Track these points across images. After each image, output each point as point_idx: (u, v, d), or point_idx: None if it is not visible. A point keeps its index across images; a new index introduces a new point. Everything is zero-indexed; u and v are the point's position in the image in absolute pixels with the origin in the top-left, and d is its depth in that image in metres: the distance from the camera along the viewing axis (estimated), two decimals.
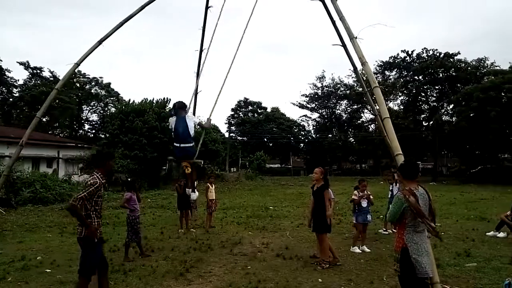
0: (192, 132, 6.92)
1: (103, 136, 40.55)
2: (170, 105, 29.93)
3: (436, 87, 45.31)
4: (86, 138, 47.69)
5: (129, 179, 8.96)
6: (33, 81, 45.56)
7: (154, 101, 29.21)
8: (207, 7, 10.91)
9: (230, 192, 24.72)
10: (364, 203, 7.88)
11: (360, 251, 7.60)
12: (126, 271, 6.24)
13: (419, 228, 3.55)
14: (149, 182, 25.69)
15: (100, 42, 8.40)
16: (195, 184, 7.99)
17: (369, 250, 7.67)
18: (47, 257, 7.32)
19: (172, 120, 7.11)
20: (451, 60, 42.89)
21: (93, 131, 52.08)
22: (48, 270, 6.38)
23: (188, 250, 7.82)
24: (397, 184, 9.89)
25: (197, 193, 8.08)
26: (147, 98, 29.23)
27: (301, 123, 63.80)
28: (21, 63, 44.32)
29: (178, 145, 6.89)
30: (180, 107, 7.13)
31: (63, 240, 9.11)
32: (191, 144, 6.96)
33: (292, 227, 10.66)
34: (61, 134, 46.89)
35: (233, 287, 5.44)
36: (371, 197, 8.05)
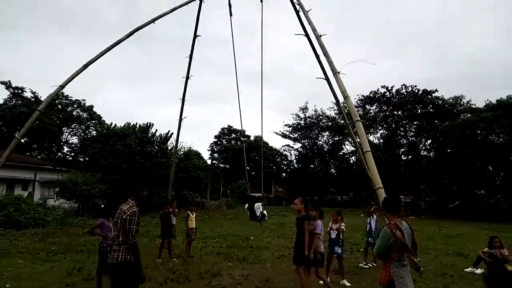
0: (258, 213, 12.88)
1: (82, 159, 39.80)
2: (153, 130, 29.85)
3: (415, 123, 46.57)
4: (65, 160, 46.63)
5: (102, 205, 8.75)
6: (14, 101, 44.73)
7: (137, 126, 29.02)
8: (195, 36, 11.19)
9: (211, 221, 24.33)
10: (333, 234, 7.92)
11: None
12: None
13: (404, 261, 3.60)
14: None
15: (85, 66, 8.46)
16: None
17: (349, 284, 7.61)
18: (17, 285, 7.00)
19: (247, 206, 13.25)
20: (429, 97, 44.37)
21: (72, 154, 51.03)
22: None
23: (165, 281, 7.60)
24: (374, 217, 10.00)
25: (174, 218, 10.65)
26: (130, 123, 29.04)
27: (284, 153, 64.17)
28: (2, 82, 43.66)
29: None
30: (253, 202, 13.07)
31: (34, 267, 8.74)
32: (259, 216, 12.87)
33: (273, 259, 10.51)
34: (39, 156, 45.74)
35: None
36: (342, 228, 8.09)
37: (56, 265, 9.02)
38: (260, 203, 13.05)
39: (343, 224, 8.22)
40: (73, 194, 22.38)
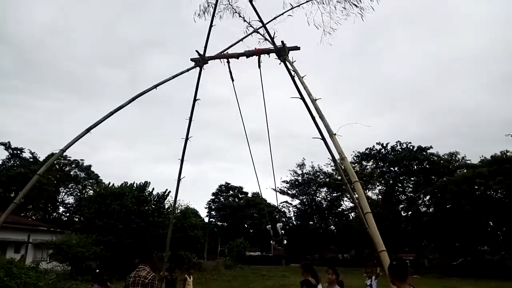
0: (280, 232, 11.55)
1: (77, 219, 39.11)
2: (150, 189, 29.68)
3: (412, 178, 46.77)
4: (60, 221, 45.76)
5: (96, 270, 8.54)
6: (12, 162, 44.91)
7: (135, 185, 28.93)
8: (194, 100, 11.61)
9: (208, 284, 23.45)
10: None
11: None
12: None
13: None
14: (121, 271, 24.26)
15: (88, 130, 8.70)
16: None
17: None
18: None
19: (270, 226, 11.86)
20: (424, 153, 45.03)
21: (68, 214, 50.22)
22: None
23: None
24: (376, 279, 9.79)
25: None
26: (127, 182, 28.98)
27: (282, 209, 63.43)
28: (2, 143, 44.14)
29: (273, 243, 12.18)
30: (274, 222, 12.55)
31: None
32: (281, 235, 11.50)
33: None
34: (33, 216, 44.92)
35: None
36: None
37: None
38: (281, 224, 12.72)
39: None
40: (66, 256, 21.71)
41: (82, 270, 24.74)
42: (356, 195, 10.51)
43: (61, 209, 51.17)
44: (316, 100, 8.22)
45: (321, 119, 7.92)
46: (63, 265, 23.35)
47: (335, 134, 7.42)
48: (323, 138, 9.97)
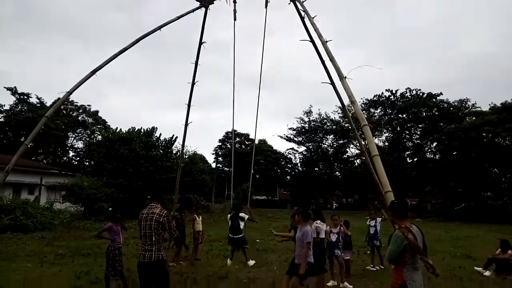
0: (242, 227, 9.34)
1: (87, 163, 40.00)
2: (157, 134, 29.92)
3: (420, 126, 46.47)
4: (70, 165, 46.92)
5: (109, 209, 8.80)
6: (20, 107, 45.12)
7: (142, 130, 29.13)
8: (200, 43, 11.27)
9: (216, 224, 24.33)
10: (333, 238, 7.93)
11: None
12: None
13: (417, 265, 3.60)
14: (133, 211, 25.20)
15: (93, 72, 8.55)
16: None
17: (351, 286, 7.62)
18: None
19: (229, 216, 9.59)
20: (434, 100, 44.30)
21: (78, 158, 51.35)
22: None
23: (173, 284, 7.62)
24: (378, 220, 10.04)
25: None
26: (134, 127, 29.15)
27: (288, 156, 64.13)
28: (8, 88, 44.08)
29: (232, 236, 9.31)
30: (237, 209, 9.57)
31: (43, 270, 8.81)
32: (241, 235, 9.34)
33: (280, 261, 10.52)
34: (44, 161, 46.03)
35: None
36: (341, 229, 8.17)
37: (64, 269, 9.08)
38: (246, 215, 9.63)
39: (342, 227, 8.26)
40: (79, 198, 22.48)
41: (95, 211, 25.72)
42: (365, 141, 10.46)
43: (71, 153, 52.37)
44: (326, 42, 7.91)
45: (331, 62, 7.67)
46: (76, 206, 24.25)
47: (345, 77, 7.21)
48: (332, 83, 9.75)
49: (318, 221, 7.05)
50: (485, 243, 16.09)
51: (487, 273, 8.94)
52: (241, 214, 9.47)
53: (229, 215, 9.65)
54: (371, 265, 9.75)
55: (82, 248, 12.23)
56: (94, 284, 7.52)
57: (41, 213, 17.87)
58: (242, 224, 9.34)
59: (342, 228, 8.21)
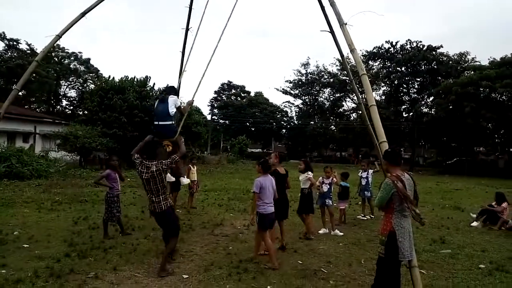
0: (171, 110, 6.47)
1: (81, 112, 39.61)
2: (151, 83, 29.41)
3: (418, 79, 45.98)
4: (64, 114, 46.49)
5: (107, 157, 8.79)
6: (9, 53, 43.75)
7: (135, 80, 28.57)
8: None
9: (212, 175, 24.68)
10: (325, 188, 8.10)
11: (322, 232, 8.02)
12: (106, 248, 6.23)
13: (405, 212, 3.68)
14: (128, 161, 25.36)
15: (83, 14, 8.09)
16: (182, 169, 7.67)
17: (341, 234, 7.85)
18: (24, 232, 7.20)
19: (156, 102, 6.94)
20: (434, 53, 43.49)
21: (71, 107, 50.78)
22: (26, 245, 6.29)
23: None
24: (370, 171, 10.19)
25: (188, 179, 8.20)
26: (127, 76, 28.55)
27: (284, 109, 63.88)
28: None
29: (157, 123, 6.54)
30: (168, 92, 6.89)
31: (40, 216, 8.95)
32: (170, 122, 6.56)
33: None
34: (38, 109, 45.49)
35: (214, 267, 5.48)
36: (334, 180, 8.40)
37: (61, 214, 9.24)
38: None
39: (334, 178, 8.42)
40: (74, 146, 22.43)
41: (91, 161, 25.84)
42: (362, 93, 10.30)
43: (64, 102, 51.71)
44: None
45: (331, 6, 7.32)
46: (72, 155, 24.29)
47: (346, 24, 6.93)
48: (332, 31, 9.40)
49: (309, 172, 7.56)
50: (473, 195, 16.56)
51: (474, 223, 9.22)
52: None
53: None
54: (362, 215, 10.02)
55: (79, 195, 12.38)
56: (92, 229, 7.67)
57: (37, 161, 17.91)
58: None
59: (334, 179, 8.36)
